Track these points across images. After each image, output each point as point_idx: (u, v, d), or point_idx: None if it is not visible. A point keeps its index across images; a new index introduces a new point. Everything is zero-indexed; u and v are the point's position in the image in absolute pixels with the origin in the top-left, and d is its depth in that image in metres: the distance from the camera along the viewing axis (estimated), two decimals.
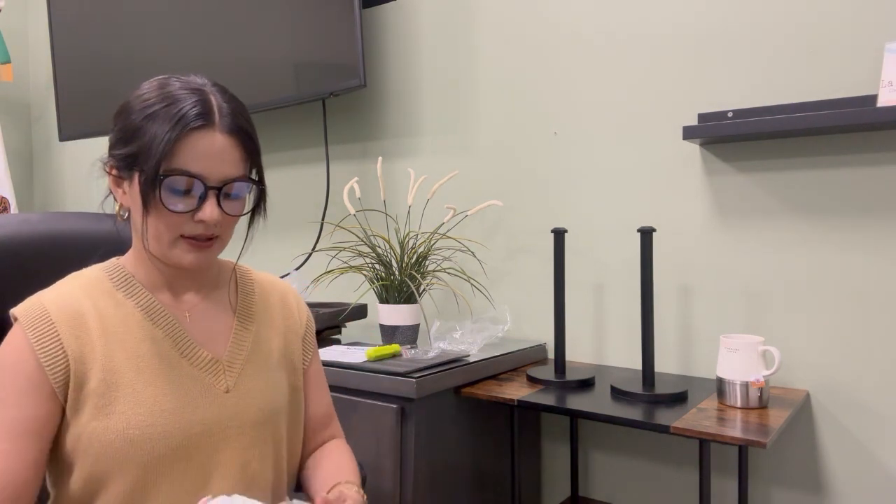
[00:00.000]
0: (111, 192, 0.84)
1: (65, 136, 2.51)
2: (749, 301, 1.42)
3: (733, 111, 1.40)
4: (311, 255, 2.01)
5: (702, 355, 1.48)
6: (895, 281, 1.29)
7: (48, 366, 0.77)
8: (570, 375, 1.41)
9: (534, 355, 1.61)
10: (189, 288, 0.88)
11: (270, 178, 2.21)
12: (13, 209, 2.60)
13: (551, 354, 1.67)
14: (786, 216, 1.39)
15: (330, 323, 1.58)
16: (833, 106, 1.30)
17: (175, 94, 0.78)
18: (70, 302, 0.80)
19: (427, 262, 1.62)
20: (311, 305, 1.70)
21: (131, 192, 0.80)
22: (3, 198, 2.58)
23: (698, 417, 1.14)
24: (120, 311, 0.82)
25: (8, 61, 2.69)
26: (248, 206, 0.86)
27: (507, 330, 1.62)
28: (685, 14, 1.48)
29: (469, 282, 1.77)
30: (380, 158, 1.72)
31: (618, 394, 1.30)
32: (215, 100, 0.79)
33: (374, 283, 1.60)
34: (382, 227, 1.90)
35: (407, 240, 1.61)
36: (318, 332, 1.62)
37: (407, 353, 1.42)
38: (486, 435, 1.46)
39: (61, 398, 0.78)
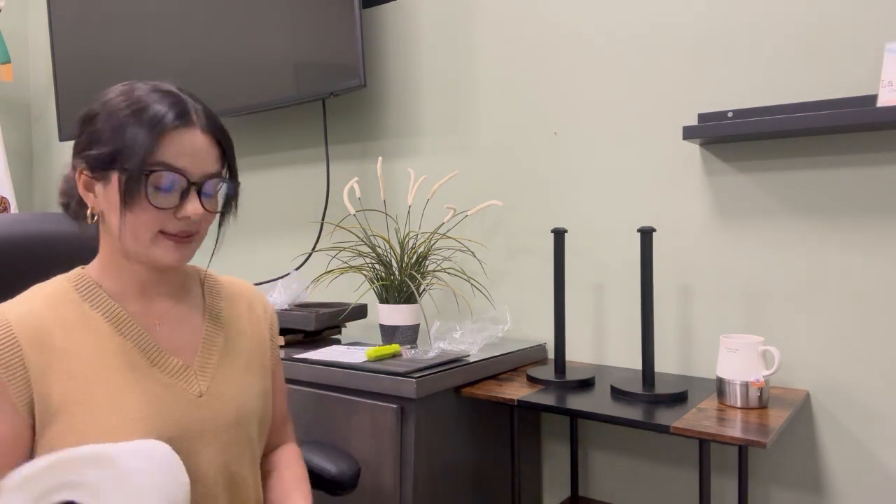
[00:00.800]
0: (79, 196, 0.84)
1: (65, 136, 2.51)
2: (749, 301, 1.43)
3: (733, 111, 1.40)
4: (311, 255, 2.01)
5: (702, 355, 1.48)
6: (895, 281, 1.29)
7: (10, 382, 0.75)
8: (570, 375, 1.41)
9: (534, 355, 1.61)
10: (159, 294, 0.88)
11: (270, 178, 2.21)
12: (13, 209, 2.60)
13: (551, 354, 1.67)
14: (786, 216, 1.39)
15: (330, 323, 1.58)
16: (833, 106, 1.30)
17: (149, 97, 0.80)
18: (34, 316, 0.79)
19: (427, 262, 1.62)
20: (311, 305, 1.70)
21: (106, 194, 0.80)
22: (3, 198, 2.58)
23: (698, 417, 1.14)
24: (86, 323, 0.81)
25: (8, 61, 2.69)
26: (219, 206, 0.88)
27: (507, 330, 1.62)
28: (685, 14, 1.48)
29: (469, 282, 1.77)
30: (380, 158, 1.72)
31: (618, 394, 1.30)
32: (190, 102, 0.82)
33: (374, 283, 1.60)
34: (382, 227, 1.90)
35: (407, 240, 1.61)
36: (318, 332, 1.62)
37: (407, 353, 1.42)
38: (486, 435, 1.46)
39: (27, 416, 0.77)
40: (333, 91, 1.80)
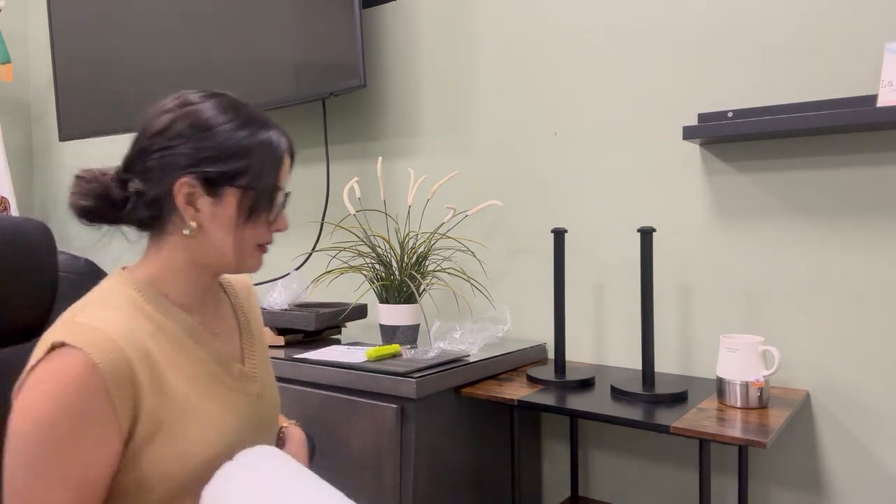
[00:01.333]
0: (165, 208, 0.82)
1: (65, 136, 2.51)
2: (749, 301, 1.42)
3: (733, 111, 1.40)
4: (311, 255, 2.01)
5: (702, 355, 1.48)
6: (895, 281, 1.29)
7: (121, 403, 0.73)
8: (570, 375, 1.41)
9: (534, 355, 1.61)
10: (210, 301, 0.91)
11: None
12: (13, 209, 2.60)
13: (551, 354, 1.67)
14: (786, 216, 1.39)
15: (330, 323, 1.58)
16: (833, 106, 1.30)
17: (256, 116, 0.85)
18: (129, 329, 0.77)
19: (427, 262, 1.62)
20: (311, 305, 1.70)
21: (215, 209, 0.82)
22: (2, 198, 2.58)
23: (698, 417, 1.14)
24: (168, 335, 0.82)
25: (8, 61, 2.69)
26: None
27: (507, 330, 1.62)
28: (685, 14, 1.48)
29: (469, 282, 1.77)
30: (380, 158, 1.72)
31: (618, 394, 1.30)
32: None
33: (374, 283, 1.60)
34: (382, 227, 1.90)
35: (407, 240, 1.61)
36: (318, 332, 1.62)
37: (407, 353, 1.42)
38: (486, 435, 1.46)
39: (126, 433, 0.75)
40: (333, 91, 1.80)
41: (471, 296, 1.79)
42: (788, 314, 1.39)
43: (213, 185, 0.81)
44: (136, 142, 0.83)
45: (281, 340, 1.55)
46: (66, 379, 0.70)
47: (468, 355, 1.44)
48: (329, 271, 1.65)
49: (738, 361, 1.21)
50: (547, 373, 1.44)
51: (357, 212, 1.88)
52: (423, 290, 1.60)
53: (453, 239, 1.72)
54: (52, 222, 2.98)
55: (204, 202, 0.81)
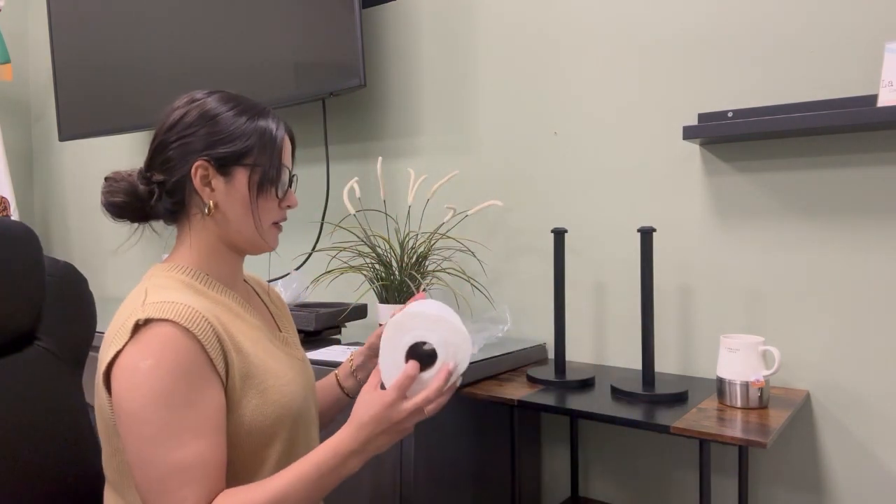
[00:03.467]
0: (186, 194, 0.90)
1: (65, 136, 2.51)
2: (749, 301, 1.43)
3: (733, 111, 1.40)
4: (311, 255, 2.01)
5: (702, 355, 1.48)
6: (895, 281, 1.29)
7: (215, 357, 0.81)
8: (570, 375, 1.41)
9: (534, 355, 1.61)
10: (241, 284, 0.99)
11: None
12: (13, 209, 2.60)
13: (551, 354, 1.67)
14: (786, 216, 1.39)
15: (330, 323, 1.58)
16: (833, 106, 1.30)
17: (255, 107, 0.93)
18: (199, 302, 0.84)
19: (427, 262, 1.62)
20: (311, 305, 1.70)
21: (229, 188, 0.90)
22: (2, 198, 2.58)
23: (698, 417, 1.14)
24: (224, 307, 0.90)
25: (8, 61, 2.69)
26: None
27: (507, 330, 1.61)
28: (685, 14, 1.48)
29: (469, 282, 1.77)
30: (380, 158, 1.72)
31: (618, 394, 1.30)
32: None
33: (374, 283, 1.60)
34: (382, 227, 1.90)
35: (407, 240, 1.61)
36: (318, 332, 1.62)
37: None
38: (486, 435, 1.46)
39: (224, 386, 0.83)
40: (333, 91, 1.80)
41: (471, 296, 1.79)
42: (788, 314, 1.39)
43: (223, 166, 0.89)
44: (154, 138, 0.92)
45: None
46: (164, 348, 0.77)
47: None
48: (329, 271, 1.65)
49: (738, 361, 1.21)
50: (547, 373, 1.44)
51: (357, 212, 1.88)
52: (424, 289, 1.60)
53: (453, 239, 1.72)
54: (51, 222, 2.98)
55: (218, 182, 0.89)
